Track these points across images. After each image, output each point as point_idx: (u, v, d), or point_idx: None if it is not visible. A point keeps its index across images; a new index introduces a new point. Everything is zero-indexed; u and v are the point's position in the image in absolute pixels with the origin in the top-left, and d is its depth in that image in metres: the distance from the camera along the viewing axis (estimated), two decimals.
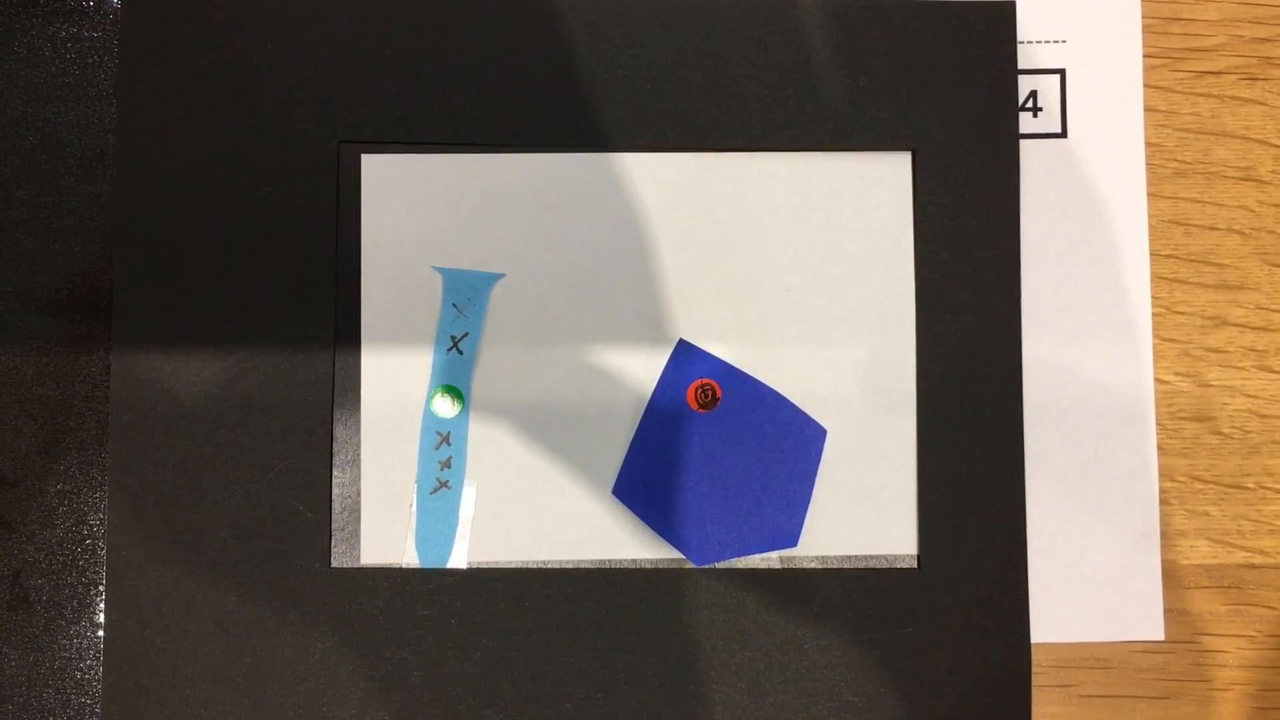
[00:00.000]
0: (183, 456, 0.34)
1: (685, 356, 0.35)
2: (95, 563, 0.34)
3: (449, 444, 0.35)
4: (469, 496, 0.35)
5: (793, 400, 0.35)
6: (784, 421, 0.35)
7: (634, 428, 0.35)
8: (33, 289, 0.35)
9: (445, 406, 0.33)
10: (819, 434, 0.35)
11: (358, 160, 0.35)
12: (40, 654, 0.34)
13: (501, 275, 0.35)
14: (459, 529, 0.34)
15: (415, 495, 0.35)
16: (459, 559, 0.35)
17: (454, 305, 0.34)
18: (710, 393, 0.35)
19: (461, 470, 0.35)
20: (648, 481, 0.35)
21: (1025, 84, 0.36)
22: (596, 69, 0.35)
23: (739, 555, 0.35)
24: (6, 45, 0.35)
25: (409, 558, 0.35)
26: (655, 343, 0.35)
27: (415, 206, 0.35)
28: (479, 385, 0.35)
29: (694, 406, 0.35)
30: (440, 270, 0.35)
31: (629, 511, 0.35)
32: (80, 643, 0.34)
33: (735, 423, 0.35)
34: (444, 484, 0.35)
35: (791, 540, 0.35)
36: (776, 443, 0.35)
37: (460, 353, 0.34)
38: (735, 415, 0.35)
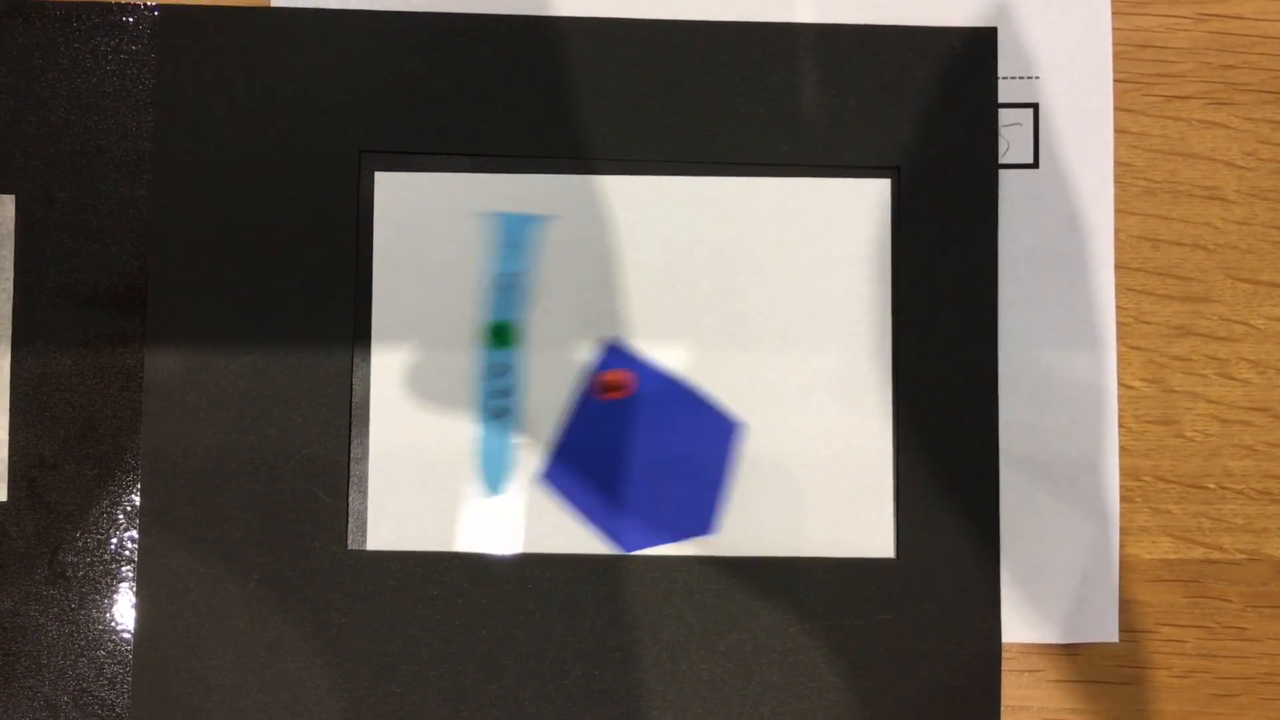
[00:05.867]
0: (210, 444, 0.37)
1: (613, 353, 0.37)
2: (128, 541, 0.37)
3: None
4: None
5: (710, 397, 0.37)
6: (697, 416, 0.37)
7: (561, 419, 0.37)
8: (72, 286, 0.37)
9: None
10: (729, 428, 0.37)
11: (373, 175, 0.37)
12: (76, 625, 0.37)
13: (546, 217, 0.37)
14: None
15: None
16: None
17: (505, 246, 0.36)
18: (615, 383, 0.36)
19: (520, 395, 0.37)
20: (574, 470, 0.37)
21: (1000, 118, 0.38)
22: (602, 86, 0.37)
23: (658, 544, 0.36)
24: (51, 57, 0.38)
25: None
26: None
27: (424, 222, 0.37)
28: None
29: (599, 395, 0.36)
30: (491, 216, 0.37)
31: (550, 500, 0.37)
32: (113, 616, 0.37)
33: (652, 416, 0.37)
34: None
35: (705, 530, 0.37)
36: (690, 436, 0.37)
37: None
38: (652, 409, 0.37)
